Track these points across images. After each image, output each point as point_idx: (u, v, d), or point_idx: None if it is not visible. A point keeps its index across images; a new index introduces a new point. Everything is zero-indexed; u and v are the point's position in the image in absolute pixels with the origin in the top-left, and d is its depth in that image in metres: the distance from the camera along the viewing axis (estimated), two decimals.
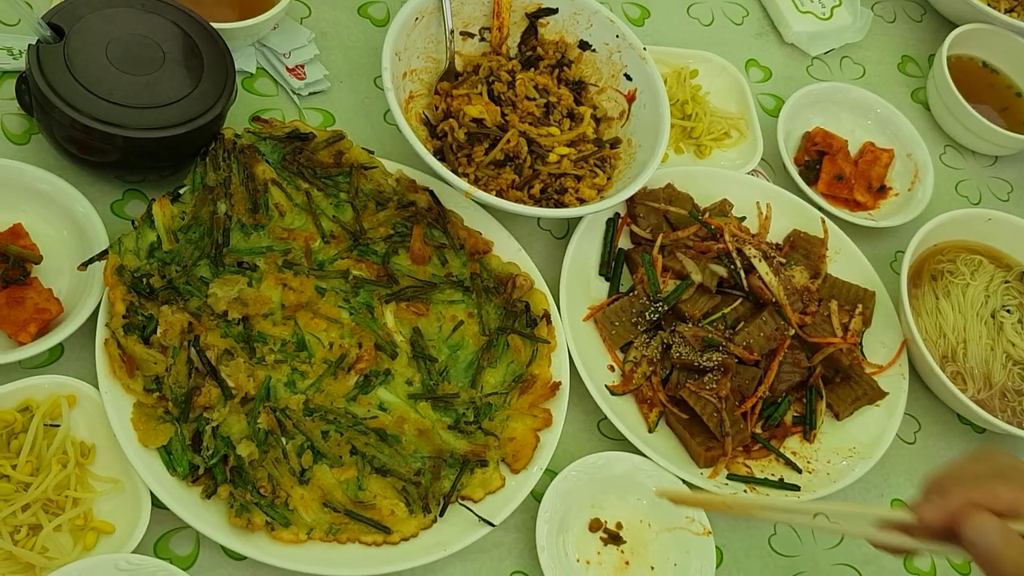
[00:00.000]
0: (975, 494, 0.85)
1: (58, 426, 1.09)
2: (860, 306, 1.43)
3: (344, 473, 1.13)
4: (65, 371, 1.13)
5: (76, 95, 1.13)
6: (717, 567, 1.24)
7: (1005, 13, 1.80)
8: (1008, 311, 1.48)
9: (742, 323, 1.35)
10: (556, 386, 1.23)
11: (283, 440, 1.13)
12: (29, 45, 1.15)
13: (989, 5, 1.80)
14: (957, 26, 1.78)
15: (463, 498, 1.16)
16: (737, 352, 1.31)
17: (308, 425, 1.14)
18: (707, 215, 1.44)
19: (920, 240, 1.48)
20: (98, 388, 1.09)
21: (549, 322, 1.28)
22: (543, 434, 1.22)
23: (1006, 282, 1.51)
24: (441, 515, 1.14)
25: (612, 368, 1.33)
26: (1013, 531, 0.83)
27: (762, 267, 1.36)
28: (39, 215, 1.20)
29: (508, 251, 1.34)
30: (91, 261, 1.15)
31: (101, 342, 1.11)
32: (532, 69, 1.46)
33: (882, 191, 1.64)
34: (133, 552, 1.03)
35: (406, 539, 1.11)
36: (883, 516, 0.92)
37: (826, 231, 1.51)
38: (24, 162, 1.20)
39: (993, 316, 1.48)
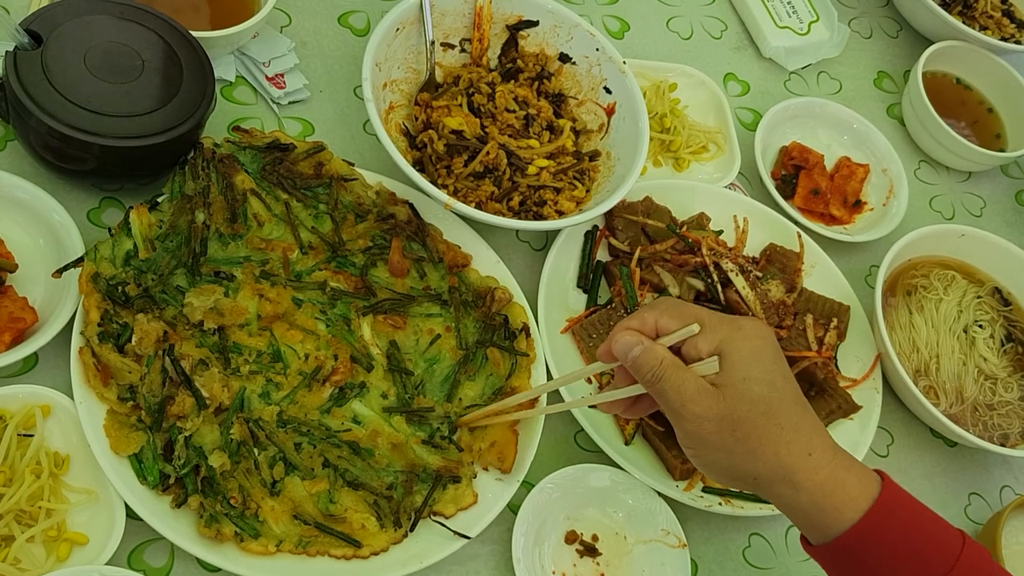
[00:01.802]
0: (627, 324, 0.97)
1: (32, 436, 1.08)
2: (835, 320, 1.44)
3: (315, 486, 1.13)
4: (40, 380, 1.12)
5: (53, 102, 1.13)
6: None
7: (979, 31, 1.83)
8: (980, 326, 1.50)
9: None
10: (535, 400, 1.24)
11: (255, 451, 1.12)
12: (6, 51, 1.15)
13: (964, 23, 1.83)
14: (932, 42, 1.80)
15: (435, 514, 1.16)
16: None
17: (281, 437, 1.14)
18: (685, 228, 1.45)
19: (894, 255, 1.49)
20: (73, 398, 1.09)
21: (528, 335, 1.29)
22: (521, 446, 1.22)
23: (978, 297, 1.53)
24: (411, 530, 1.14)
25: (590, 380, 1.34)
26: (652, 343, 0.95)
27: (739, 281, 1.37)
28: (14, 223, 1.19)
29: (487, 263, 1.34)
30: (66, 268, 1.14)
31: (75, 351, 1.11)
32: (512, 81, 1.46)
33: (857, 206, 1.66)
34: (107, 564, 1.03)
35: (376, 553, 1.11)
36: (587, 373, 1.08)
37: (802, 245, 1.52)
38: (0, 169, 1.19)
39: (966, 331, 1.50)
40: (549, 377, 1.27)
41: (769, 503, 1.26)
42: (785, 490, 0.94)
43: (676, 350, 0.96)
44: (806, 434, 0.94)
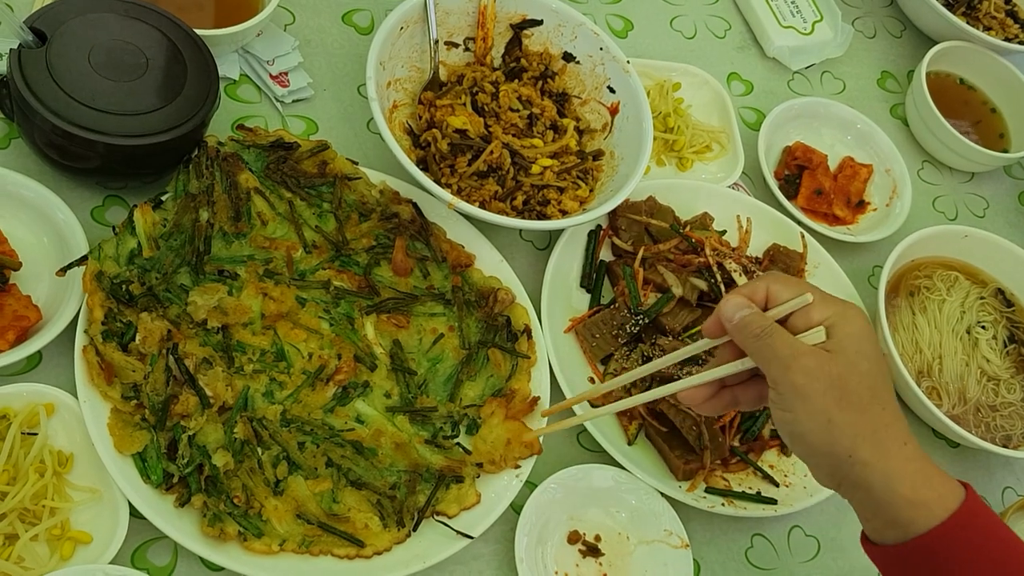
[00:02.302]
0: (736, 291, 0.96)
1: (36, 435, 1.08)
2: None
3: (319, 485, 1.13)
4: (44, 379, 1.12)
5: (57, 101, 1.13)
6: None
7: (983, 31, 1.82)
8: (983, 327, 1.50)
9: (705, 356, 1.35)
10: (535, 401, 1.24)
11: (259, 450, 1.12)
12: (10, 49, 1.14)
13: (968, 23, 1.83)
14: (936, 42, 1.80)
15: (438, 513, 1.16)
16: None
17: (284, 436, 1.14)
18: (688, 228, 1.45)
19: (898, 256, 1.49)
20: (77, 396, 1.09)
21: (530, 337, 1.29)
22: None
23: (981, 298, 1.53)
24: (415, 530, 1.14)
25: (592, 380, 1.34)
26: (759, 311, 0.93)
27: (742, 281, 1.37)
28: (18, 221, 1.19)
29: (490, 262, 1.34)
30: (70, 266, 1.14)
31: (79, 349, 1.11)
32: (516, 80, 1.46)
33: (861, 206, 1.66)
34: (110, 563, 1.03)
35: (379, 553, 1.11)
36: (696, 350, 1.03)
37: (805, 245, 1.52)
38: (4, 167, 1.19)
39: (968, 332, 1.50)
40: (552, 379, 1.27)
41: (775, 505, 1.28)
42: (874, 476, 0.90)
43: (781, 323, 0.94)
44: (902, 423, 0.92)
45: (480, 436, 1.21)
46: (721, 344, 0.99)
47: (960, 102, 1.86)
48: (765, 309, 0.95)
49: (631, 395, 1.31)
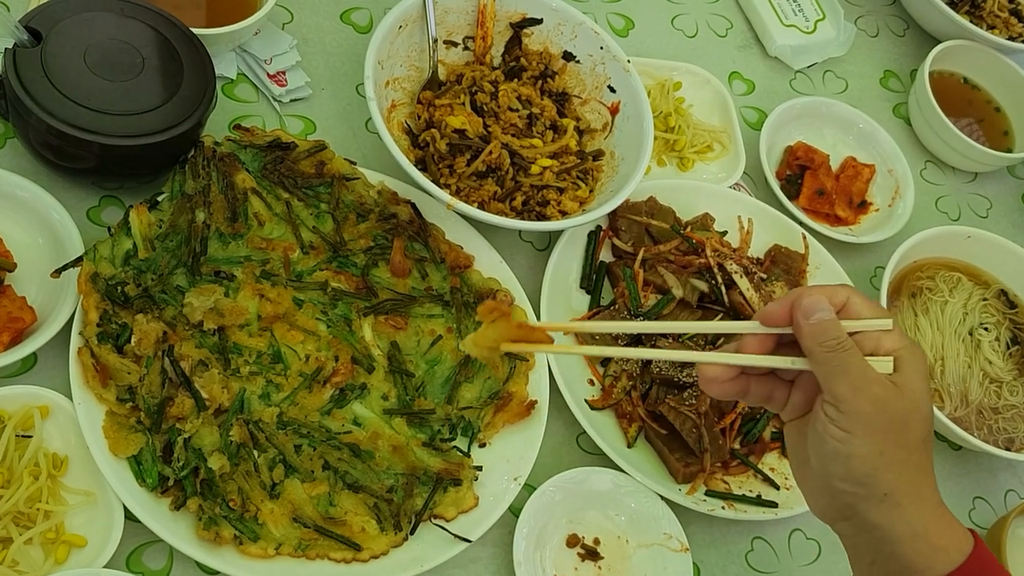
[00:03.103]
0: (816, 288, 0.90)
1: (30, 437, 1.07)
2: None
3: (315, 488, 1.12)
4: (39, 381, 1.11)
5: (53, 100, 1.12)
6: None
7: (987, 30, 1.81)
8: (986, 329, 1.49)
9: (722, 339, 1.35)
10: (532, 404, 1.23)
11: (255, 453, 1.11)
12: (6, 48, 1.14)
13: (971, 22, 1.81)
14: (939, 41, 1.79)
15: (435, 517, 1.15)
16: None
17: (281, 439, 1.13)
18: (689, 229, 1.44)
19: (900, 256, 1.48)
20: (72, 399, 1.08)
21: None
22: (523, 448, 1.21)
23: (984, 300, 1.52)
24: (412, 533, 1.13)
25: (592, 382, 1.33)
26: (837, 319, 0.88)
27: (743, 283, 1.36)
28: (13, 221, 1.18)
29: (489, 263, 1.33)
30: (65, 268, 1.13)
31: (74, 351, 1.10)
32: (515, 80, 1.45)
33: (863, 206, 1.65)
34: (105, 566, 1.02)
35: (376, 557, 1.10)
36: (740, 328, 0.95)
37: (807, 246, 1.51)
38: None
39: (971, 334, 1.49)
40: (551, 382, 1.26)
41: (775, 508, 1.27)
42: (901, 518, 0.88)
43: None
44: (932, 470, 0.91)
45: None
46: (750, 334, 0.93)
47: (964, 101, 1.84)
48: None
49: (630, 397, 1.31)
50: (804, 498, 0.95)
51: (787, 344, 0.92)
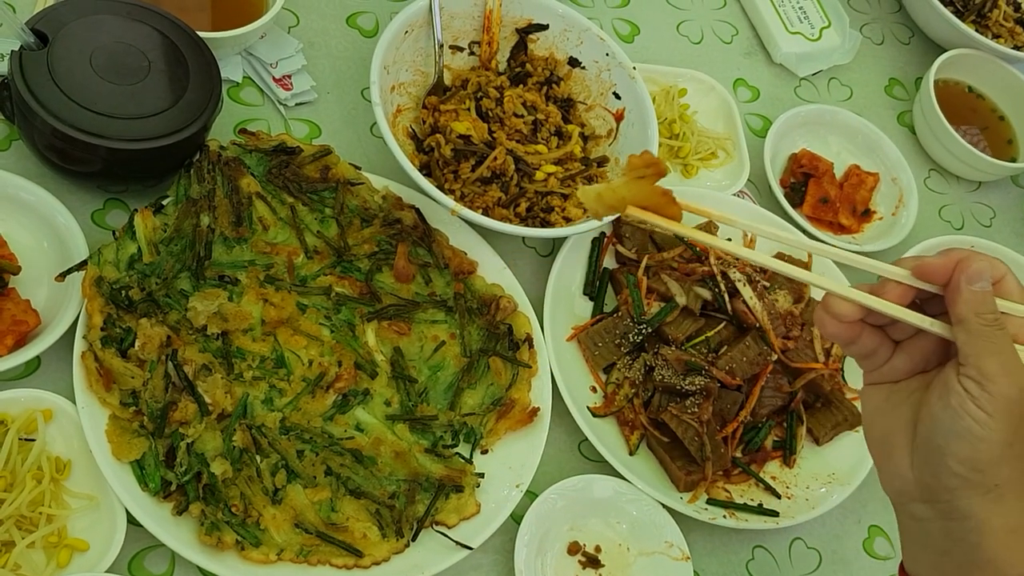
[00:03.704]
0: (987, 261, 0.84)
1: (33, 441, 1.07)
2: None
3: (317, 494, 1.12)
4: (42, 384, 1.11)
5: (58, 104, 1.12)
6: None
7: (992, 39, 1.81)
8: None
9: (725, 347, 1.35)
10: (534, 412, 1.23)
11: (257, 459, 1.11)
12: (12, 51, 1.14)
13: (977, 31, 1.81)
14: (944, 49, 1.79)
15: (437, 523, 1.15)
16: (719, 376, 1.30)
17: (283, 444, 1.13)
18: None
19: None
20: (75, 403, 1.08)
21: (531, 346, 1.28)
22: (525, 455, 1.21)
23: None
24: (413, 540, 1.13)
25: (594, 389, 1.33)
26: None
27: (746, 291, 1.36)
28: (18, 224, 1.19)
29: (493, 269, 1.33)
30: (69, 271, 1.13)
31: (78, 355, 1.10)
32: (520, 85, 1.45)
33: (867, 215, 1.65)
34: (107, 571, 1.02)
35: (377, 563, 1.10)
36: (889, 272, 0.85)
37: (810, 255, 1.51)
38: (4, 169, 1.18)
39: None
40: (553, 387, 1.26)
41: (776, 517, 1.27)
42: (1004, 509, 0.82)
43: None
44: None
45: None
46: (893, 281, 0.84)
47: (968, 110, 1.84)
48: None
49: (632, 404, 1.31)
50: (878, 469, 0.89)
51: (924, 302, 0.85)
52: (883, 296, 0.84)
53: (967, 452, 0.81)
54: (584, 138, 1.46)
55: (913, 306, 0.84)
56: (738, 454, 1.34)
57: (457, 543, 1.13)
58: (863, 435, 0.93)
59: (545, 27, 1.48)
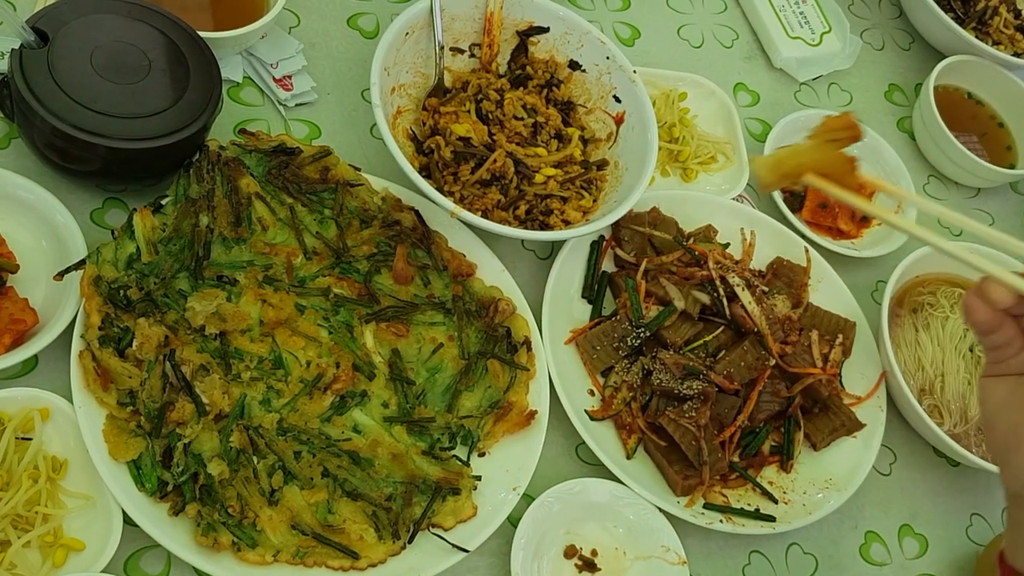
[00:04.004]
0: None
1: (30, 440, 1.07)
2: (840, 336, 1.43)
3: (314, 495, 1.12)
4: (39, 383, 1.11)
5: (58, 102, 1.12)
6: None
7: (992, 46, 1.81)
8: None
9: (723, 351, 1.35)
10: (532, 415, 1.23)
11: (254, 460, 1.11)
12: (12, 49, 1.13)
13: (977, 37, 1.81)
14: (944, 56, 1.79)
15: (433, 526, 1.15)
16: (717, 381, 1.30)
17: (280, 445, 1.13)
18: (691, 240, 1.44)
19: (902, 271, 1.48)
20: (72, 402, 1.08)
21: (529, 349, 1.28)
22: (522, 458, 1.21)
23: None
24: (410, 542, 1.13)
25: (592, 392, 1.33)
26: None
27: (745, 296, 1.36)
28: (17, 222, 1.18)
29: (491, 272, 1.33)
30: (68, 271, 1.13)
31: (76, 354, 1.10)
32: (521, 88, 1.45)
33: (865, 220, 1.64)
34: (103, 571, 1.02)
35: (373, 565, 1.10)
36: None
37: (809, 260, 1.51)
38: (3, 168, 1.18)
39: (971, 350, 1.48)
40: (551, 390, 1.26)
41: (773, 522, 1.27)
42: None
43: None
44: None
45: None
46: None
47: (968, 116, 1.84)
48: None
49: (630, 408, 1.31)
50: (1001, 462, 0.90)
51: None
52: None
53: None
54: (584, 141, 1.46)
55: None
56: (735, 459, 1.34)
57: (454, 546, 1.13)
58: (983, 427, 0.95)
59: (546, 30, 1.48)
